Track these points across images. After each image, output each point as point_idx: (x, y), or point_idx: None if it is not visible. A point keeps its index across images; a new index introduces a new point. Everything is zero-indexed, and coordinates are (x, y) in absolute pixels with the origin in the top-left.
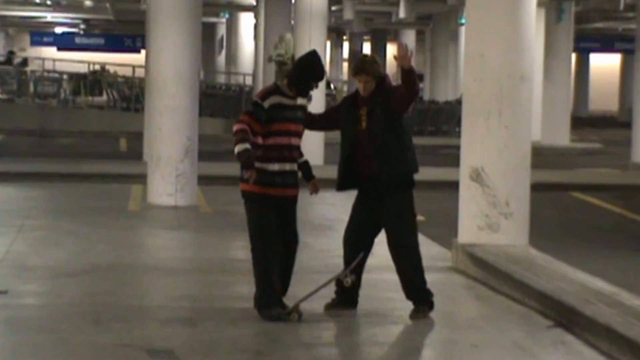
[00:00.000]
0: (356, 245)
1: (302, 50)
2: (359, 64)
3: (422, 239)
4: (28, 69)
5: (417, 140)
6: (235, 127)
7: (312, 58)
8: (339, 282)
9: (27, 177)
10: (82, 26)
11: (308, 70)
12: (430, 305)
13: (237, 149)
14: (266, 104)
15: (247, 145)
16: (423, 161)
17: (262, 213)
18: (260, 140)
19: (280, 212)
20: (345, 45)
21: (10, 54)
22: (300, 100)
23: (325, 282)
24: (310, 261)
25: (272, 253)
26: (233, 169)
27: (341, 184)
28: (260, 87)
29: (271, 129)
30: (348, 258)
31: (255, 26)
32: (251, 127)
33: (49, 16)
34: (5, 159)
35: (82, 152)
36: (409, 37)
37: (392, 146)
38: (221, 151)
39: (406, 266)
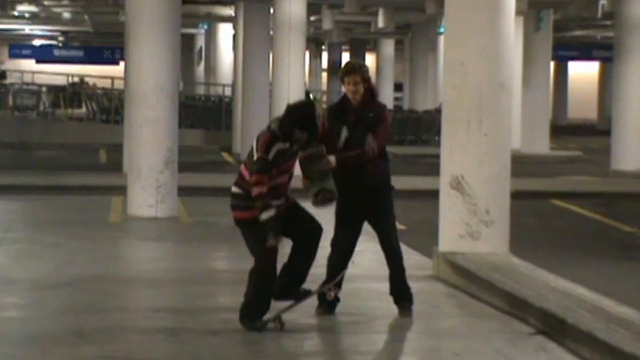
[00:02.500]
0: (345, 252)
1: (280, 61)
2: (349, 64)
3: (403, 247)
4: (7, 81)
5: (397, 150)
6: (255, 191)
7: (304, 109)
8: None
9: (7, 189)
10: (61, 38)
11: (296, 119)
12: (411, 298)
13: (265, 215)
14: (270, 156)
15: (274, 212)
16: (403, 170)
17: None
18: None
19: (286, 219)
20: (325, 56)
21: None
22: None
23: (308, 295)
24: None
25: (274, 272)
26: (213, 180)
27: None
28: (240, 98)
29: (273, 174)
30: (336, 266)
31: (234, 37)
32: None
33: (27, 29)
34: None
35: (62, 164)
36: (388, 47)
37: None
38: (201, 162)
39: (395, 265)
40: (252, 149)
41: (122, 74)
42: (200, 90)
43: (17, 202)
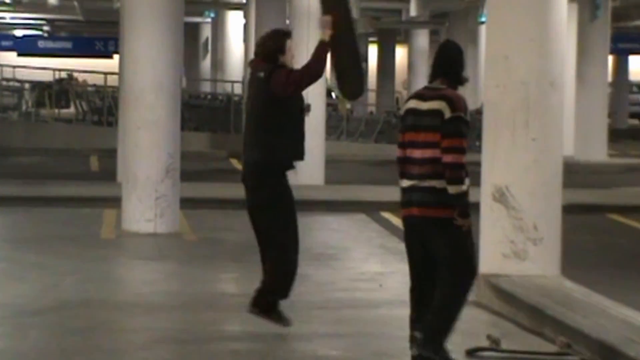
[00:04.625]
0: None
1: (300, 54)
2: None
3: None
4: None
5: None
6: (459, 159)
7: (453, 45)
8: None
9: None
10: (46, 28)
11: (460, 59)
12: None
13: (464, 187)
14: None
15: (467, 186)
16: None
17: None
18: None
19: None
20: None
21: None
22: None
23: None
24: (310, 296)
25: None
26: (220, 190)
27: None
28: None
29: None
30: None
31: (245, 27)
32: None
33: (8, 17)
34: None
35: (48, 172)
36: (422, 38)
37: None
38: (207, 170)
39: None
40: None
41: (116, 69)
42: (206, 87)
43: None
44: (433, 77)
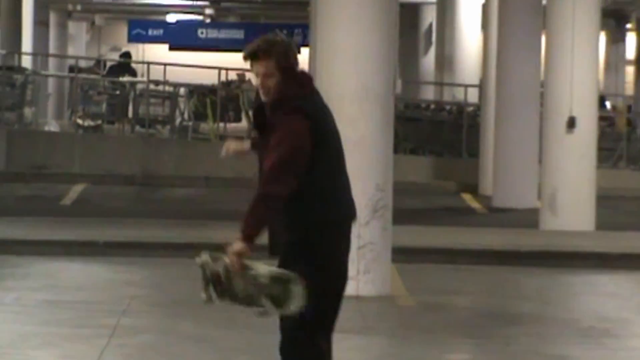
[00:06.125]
0: None
1: (558, 48)
2: (251, 44)
3: None
4: (125, 79)
5: None
6: None
7: None
8: None
9: (125, 248)
10: (209, 12)
11: None
12: None
13: None
14: None
15: None
16: None
17: None
18: None
19: None
20: (630, 39)
21: (126, 56)
22: None
23: None
24: None
25: None
26: (447, 237)
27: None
28: (492, 106)
29: None
30: None
31: (484, 8)
32: None
33: None
34: (90, 220)
35: (209, 210)
36: None
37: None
38: (429, 208)
39: None
40: None
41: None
42: (429, 93)
43: (139, 268)
44: None
